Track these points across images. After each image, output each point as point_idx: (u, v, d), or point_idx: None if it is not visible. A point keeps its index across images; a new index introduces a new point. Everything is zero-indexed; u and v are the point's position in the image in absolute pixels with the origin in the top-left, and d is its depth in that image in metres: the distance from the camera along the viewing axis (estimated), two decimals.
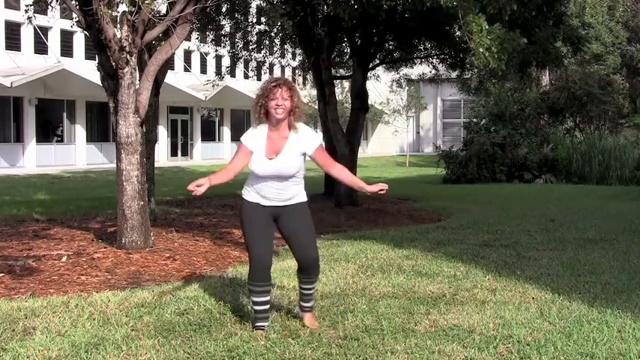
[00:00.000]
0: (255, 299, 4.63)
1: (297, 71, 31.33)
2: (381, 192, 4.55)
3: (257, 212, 4.65)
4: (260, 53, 19.42)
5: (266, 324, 4.64)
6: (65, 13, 27.18)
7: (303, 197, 4.74)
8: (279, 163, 4.57)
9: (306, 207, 4.75)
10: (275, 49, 19.38)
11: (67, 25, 28.21)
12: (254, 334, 4.54)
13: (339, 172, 4.74)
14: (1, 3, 31.71)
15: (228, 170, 4.64)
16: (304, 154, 4.64)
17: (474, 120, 27.85)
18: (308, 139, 4.65)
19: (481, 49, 8.17)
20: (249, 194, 4.71)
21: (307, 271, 4.74)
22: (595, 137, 26.05)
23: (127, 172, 8.13)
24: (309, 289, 4.81)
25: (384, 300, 5.46)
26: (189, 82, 37.67)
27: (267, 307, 4.68)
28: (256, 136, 4.65)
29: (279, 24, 12.20)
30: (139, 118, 8.12)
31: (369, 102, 16.11)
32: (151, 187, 10.31)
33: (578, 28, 20.70)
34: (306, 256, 4.69)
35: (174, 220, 11.34)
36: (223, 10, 15.63)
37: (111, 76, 8.38)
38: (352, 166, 14.00)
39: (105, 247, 8.24)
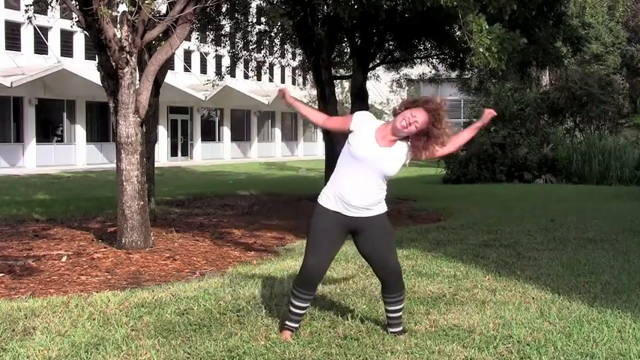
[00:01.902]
0: (295, 302, 4.48)
1: (297, 71, 31.32)
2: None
3: (330, 221, 4.36)
4: (260, 53, 19.42)
5: (296, 326, 4.53)
6: (65, 13, 27.18)
7: (383, 207, 4.43)
8: (385, 154, 4.27)
9: (385, 218, 4.44)
10: (275, 49, 19.39)
11: (67, 25, 28.21)
12: (254, 334, 4.54)
13: (455, 140, 4.41)
14: (1, 3, 31.71)
15: (325, 116, 4.52)
16: (404, 162, 4.37)
17: (474, 120, 27.78)
18: (403, 147, 4.34)
19: (481, 49, 8.17)
20: (326, 199, 4.39)
21: (388, 287, 4.50)
22: (595, 137, 26.02)
23: (127, 172, 8.13)
24: (394, 311, 4.54)
25: None
26: (189, 82, 37.67)
27: (304, 312, 4.55)
28: (369, 120, 4.39)
29: (279, 24, 12.23)
30: (139, 118, 8.12)
31: (369, 102, 16.10)
32: (151, 187, 10.32)
33: (578, 28, 20.68)
34: (386, 269, 4.46)
35: (174, 220, 11.35)
36: (223, 10, 15.63)
37: (111, 76, 8.38)
38: None
39: (105, 247, 8.24)
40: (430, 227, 10.31)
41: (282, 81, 46.50)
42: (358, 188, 4.30)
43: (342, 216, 4.36)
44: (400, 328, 4.58)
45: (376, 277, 4.63)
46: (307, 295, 4.47)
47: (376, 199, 4.37)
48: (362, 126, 4.35)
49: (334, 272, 6.59)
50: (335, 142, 14.23)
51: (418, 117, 4.23)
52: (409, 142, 4.34)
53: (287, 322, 4.56)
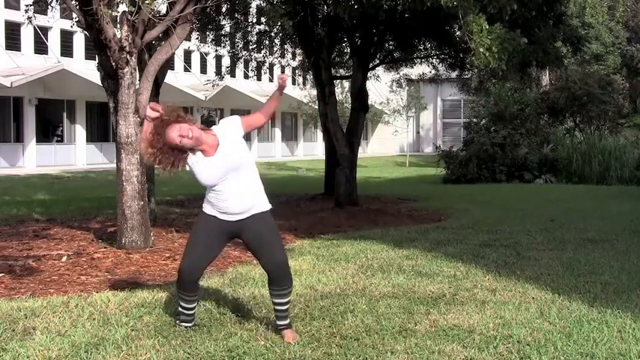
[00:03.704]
0: (182, 303, 4.65)
1: (297, 71, 31.33)
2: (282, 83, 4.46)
3: (211, 227, 4.48)
4: (260, 53, 19.41)
5: (190, 325, 4.67)
6: (65, 13, 27.18)
7: (264, 206, 4.51)
8: (223, 154, 4.35)
9: (268, 215, 4.51)
10: (275, 49, 19.38)
11: (67, 25, 28.21)
12: (254, 335, 4.54)
13: (261, 112, 4.59)
14: (1, 3, 31.71)
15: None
16: (239, 135, 4.46)
17: (474, 120, 27.83)
18: (228, 122, 4.51)
19: (481, 49, 8.17)
20: (208, 208, 4.51)
21: (276, 280, 4.47)
22: (595, 137, 26.03)
23: (127, 172, 8.13)
24: (282, 303, 4.51)
25: (384, 300, 5.46)
26: (189, 82, 37.66)
27: (193, 312, 4.69)
28: (197, 160, 4.39)
29: (279, 24, 12.21)
30: (138, 118, 8.12)
31: (369, 102, 16.09)
32: (150, 187, 10.31)
33: (578, 28, 20.69)
34: (273, 261, 4.45)
35: (174, 220, 11.35)
36: (223, 10, 15.63)
37: (111, 76, 8.38)
38: (352, 166, 14.00)
39: (105, 247, 8.24)
40: (430, 227, 10.31)
41: None
42: (233, 197, 4.40)
43: (221, 221, 4.47)
44: (287, 322, 4.55)
45: (264, 270, 4.63)
46: (191, 297, 4.61)
47: (251, 202, 4.45)
48: (191, 161, 4.42)
49: (334, 272, 6.60)
50: (335, 141, 14.23)
51: (183, 132, 4.30)
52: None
53: (182, 323, 4.68)
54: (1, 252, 7.92)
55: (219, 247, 4.60)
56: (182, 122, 4.32)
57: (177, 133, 4.27)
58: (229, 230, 4.50)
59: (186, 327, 4.66)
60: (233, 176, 4.38)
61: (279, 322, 4.55)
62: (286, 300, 4.54)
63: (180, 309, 4.69)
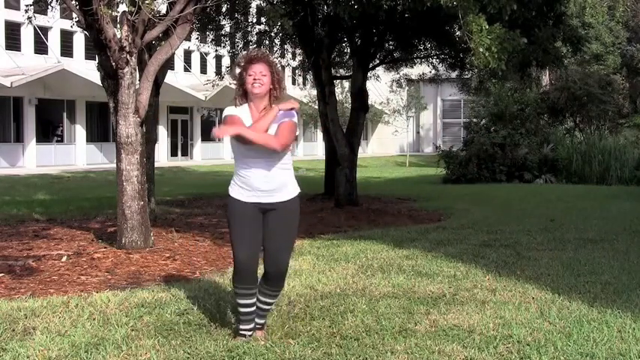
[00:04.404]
0: (240, 301, 4.43)
1: (297, 71, 31.32)
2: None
3: (244, 210, 4.36)
4: None
5: (250, 327, 4.48)
6: (65, 13, 27.17)
7: (293, 190, 4.43)
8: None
9: (295, 205, 4.44)
10: (275, 49, 19.38)
11: (67, 25, 28.21)
12: (254, 335, 4.54)
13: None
14: (1, 3, 31.72)
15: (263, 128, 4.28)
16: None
17: (474, 120, 27.83)
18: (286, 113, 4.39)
19: (481, 49, 8.16)
20: (235, 188, 4.41)
21: (272, 280, 4.46)
22: (595, 137, 26.03)
23: (127, 172, 8.13)
24: (269, 303, 4.54)
25: (384, 300, 5.46)
26: (189, 82, 37.67)
27: (253, 309, 4.47)
28: (239, 109, 4.40)
29: (279, 24, 12.20)
30: (139, 118, 8.12)
31: (369, 102, 16.09)
32: (151, 187, 10.31)
33: (578, 28, 20.68)
34: (276, 258, 4.41)
35: (174, 220, 11.34)
36: (223, 10, 15.62)
37: (111, 76, 8.38)
38: (352, 166, 14.00)
39: (105, 247, 8.24)
40: (430, 227, 10.31)
41: None
42: (263, 172, 4.31)
43: (250, 203, 4.37)
44: (264, 321, 4.61)
45: (262, 266, 4.52)
46: (249, 290, 4.41)
47: (282, 180, 4.37)
48: (239, 113, 4.37)
49: (334, 272, 6.60)
50: (335, 141, 14.23)
51: (264, 71, 4.31)
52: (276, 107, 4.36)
53: (241, 326, 4.49)
54: (1, 252, 7.92)
55: (261, 226, 4.41)
56: (260, 62, 4.31)
57: (251, 76, 4.30)
58: (259, 210, 4.38)
59: (248, 335, 4.46)
60: (262, 157, 4.30)
61: (258, 320, 4.53)
62: (274, 301, 4.62)
63: (239, 309, 4.46)
